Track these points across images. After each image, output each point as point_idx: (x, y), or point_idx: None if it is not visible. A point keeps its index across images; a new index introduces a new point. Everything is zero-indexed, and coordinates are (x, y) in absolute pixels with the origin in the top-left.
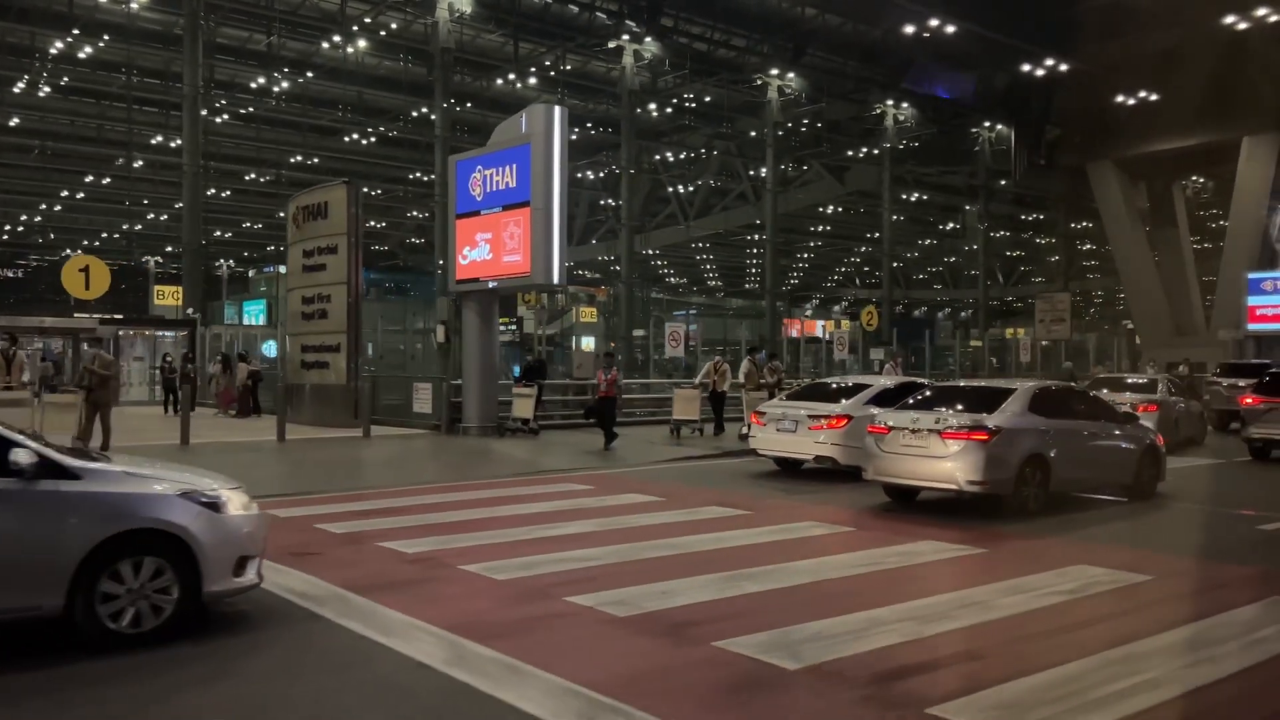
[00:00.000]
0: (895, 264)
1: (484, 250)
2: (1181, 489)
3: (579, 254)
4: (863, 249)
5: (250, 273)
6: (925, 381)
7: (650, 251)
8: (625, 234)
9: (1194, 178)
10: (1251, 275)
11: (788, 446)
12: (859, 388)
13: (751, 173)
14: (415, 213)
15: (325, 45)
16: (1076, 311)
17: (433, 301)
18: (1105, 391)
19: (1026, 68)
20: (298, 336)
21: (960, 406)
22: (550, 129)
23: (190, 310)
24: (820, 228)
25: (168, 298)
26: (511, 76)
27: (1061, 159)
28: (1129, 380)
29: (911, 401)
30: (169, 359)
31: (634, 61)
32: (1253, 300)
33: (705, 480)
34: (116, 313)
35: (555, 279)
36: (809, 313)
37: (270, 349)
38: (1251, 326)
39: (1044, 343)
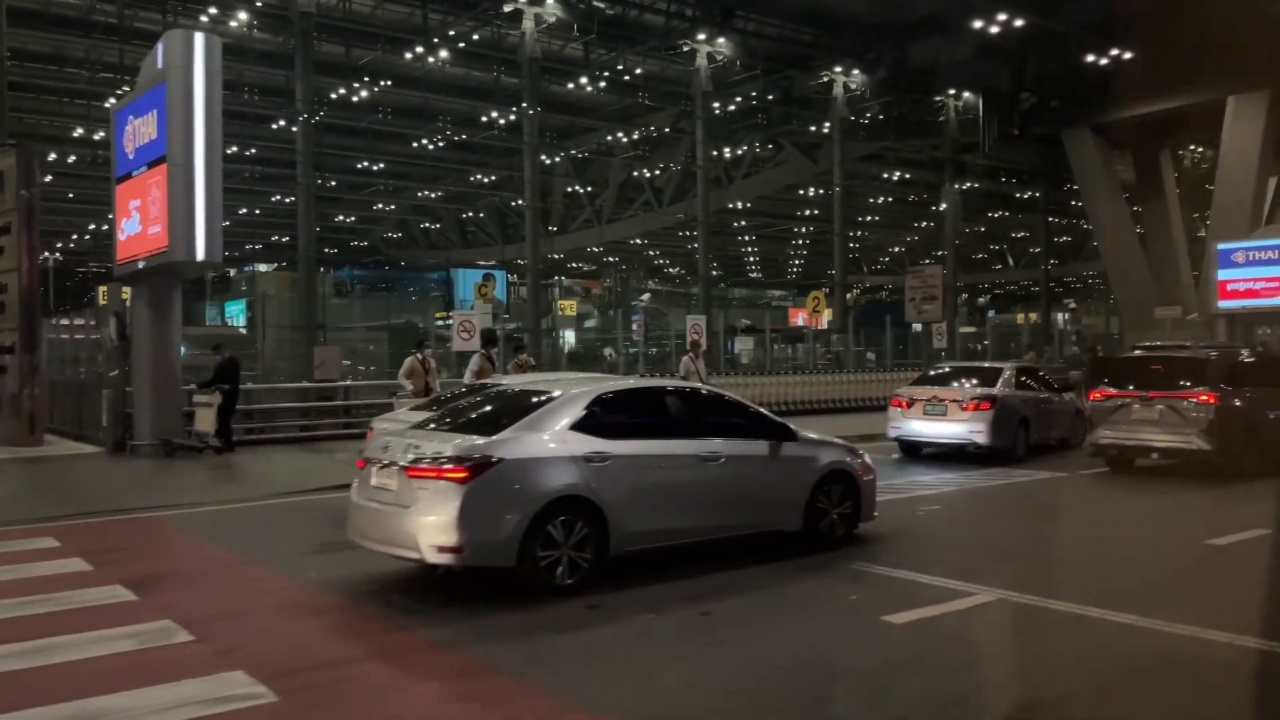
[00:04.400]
0: (897, 248)
1: (135, 222)
2: (916, 529)
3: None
4: (859, 233)
5: (231, 272)
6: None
7: (639, 241)
8: (530, 216)
9: (1192, 146)
10: (1221, 246)
11: None
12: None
13: (727, 154)
14: (382, 204)
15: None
16: (1091, 294)
17: (409, 297)
18: (930, 388)
19: (993, 28)
20: None
21: (473, 422)
22: (190, 63)
23: None
24: (807, 211)
25: (103, 298)
26: (420, 49)
27: (1036, 127)
28: (967, 369)
29: (436, 420)
30: None
31: (534, 26)
32: (1223, 274)
33: (256, 526)
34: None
35: (200, 255)
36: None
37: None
38: (1222, 304)
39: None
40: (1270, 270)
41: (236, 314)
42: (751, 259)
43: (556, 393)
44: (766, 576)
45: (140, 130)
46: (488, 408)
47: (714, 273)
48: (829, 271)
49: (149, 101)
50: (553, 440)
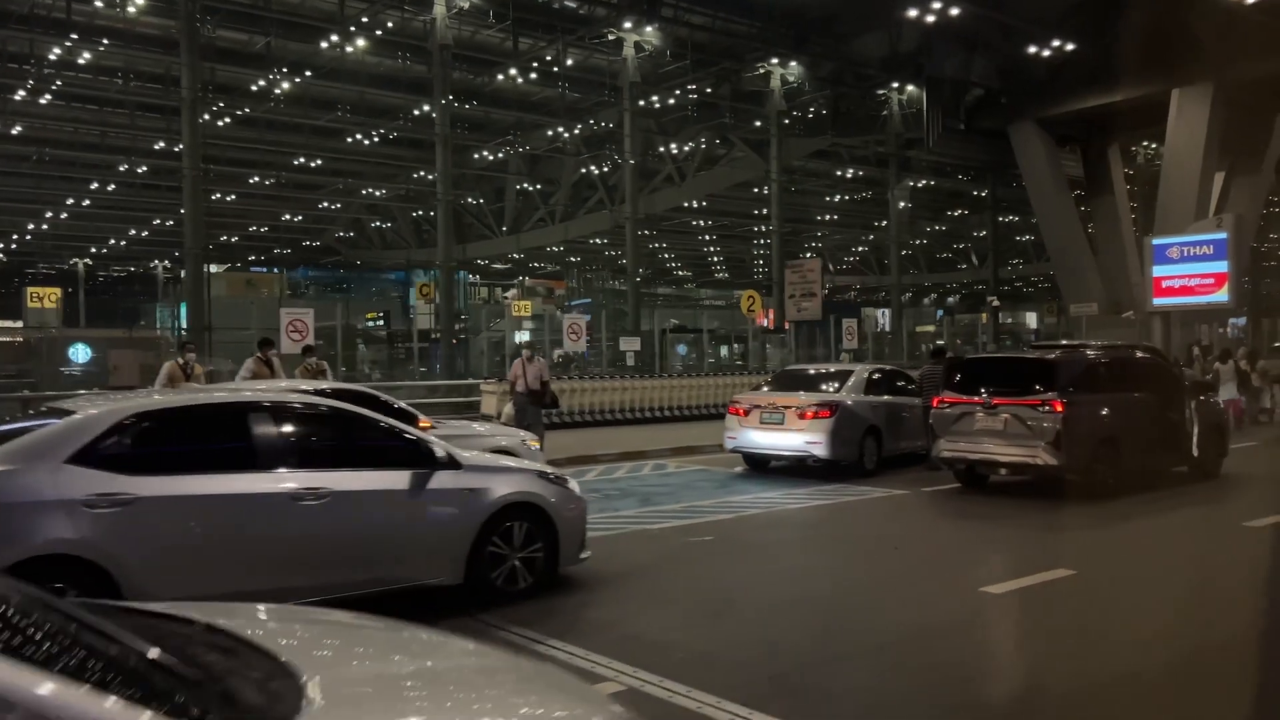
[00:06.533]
0: (861, 247)
1: None
2: (648, 571)
3: (507, 245)
4: (819, 232)
5: (183, 273)
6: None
7: (600, 240)
8: (442, 210)
9: (1145, 143)
10: (1156, 241)
11: None
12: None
13: (674, 150)
14: (328, 203)
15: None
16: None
17: (369, 298)
18: (769, 394)
19: (938, 20)
20: None
21: None
22: None
23: None
24: (766, 210)
25: (43, 300)
26: (335, 38)
27: (982, 122)
28: (818, 371)
29: None
30: None
31: (445, 12)
32: (1158, 270)
33: None
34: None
35: None
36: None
37: (78, 354)
38: (1157, 301)
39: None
40: (1204, 266)
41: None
42: (716, 259)
43: (76, 412)
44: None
45: None
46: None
47: (679, 273)
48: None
49: None
50: (36, 478)
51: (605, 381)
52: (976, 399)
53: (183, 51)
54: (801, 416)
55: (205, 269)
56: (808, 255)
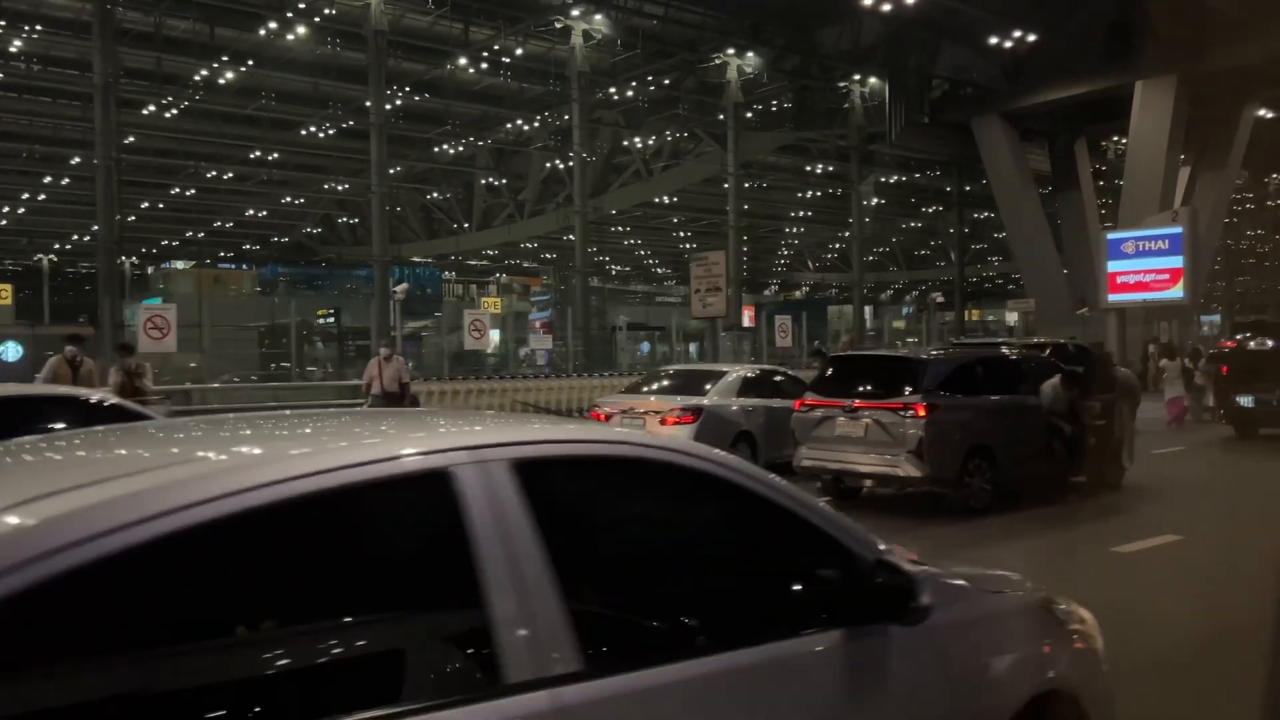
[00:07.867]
0: (839, 244)
1: None
2: None
3: (465, 242)
4: (796, 229)
5: (149, 269)
6: None
7: (569, 238)
8: (376, 203)
9: (1115, 138)
10: (1111, 236)
11: None
12: None
13: (639, 144)
14: (290, 198)
15: None
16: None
17: (344, 295)
18: (632, 398)
19: (896, 8)
20: None
21: None
22: None
23: None
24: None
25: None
26: (275, 25)
27: (947, 115)
28: (690, 373)
29: None
30: None
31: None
32: (1113, 265)
33: None
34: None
35: None
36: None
37: (8, 352)
38: (1112, 297)
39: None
40: (1159, 261)
41: None
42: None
43: None
44: None
45: None
46: None
47: (657, 270)
48: (773, 268)
49: None
50: None
51: (504, 383)
52: (836, 402)
53: (95, 35)
54: (662, 422)
55: (128, 262)
56: (785, 253)
